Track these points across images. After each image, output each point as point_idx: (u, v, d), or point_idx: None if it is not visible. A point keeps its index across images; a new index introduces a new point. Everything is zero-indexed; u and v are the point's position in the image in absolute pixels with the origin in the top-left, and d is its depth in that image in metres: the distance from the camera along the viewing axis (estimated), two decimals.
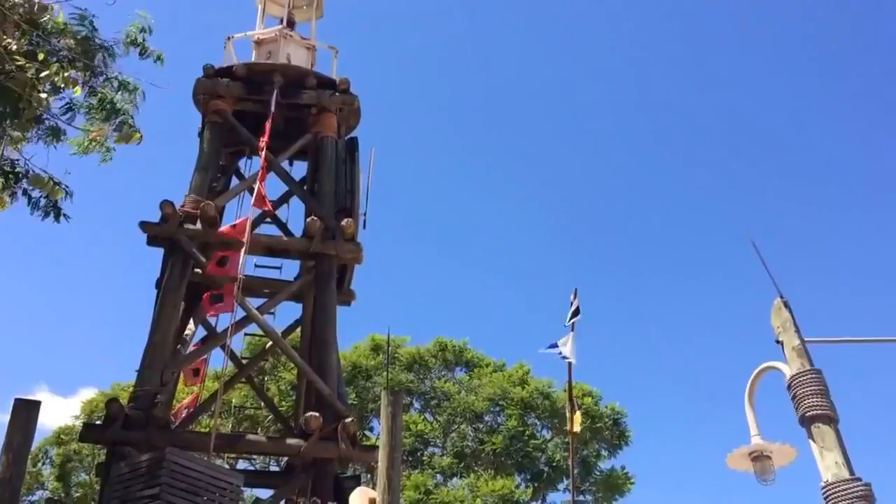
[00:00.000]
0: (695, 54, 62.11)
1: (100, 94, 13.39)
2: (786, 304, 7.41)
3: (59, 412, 59.03)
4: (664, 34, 61.84)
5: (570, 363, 14.57)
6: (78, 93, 11.26)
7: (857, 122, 59.37)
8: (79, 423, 26.97)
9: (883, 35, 56.54)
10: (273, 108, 14.59)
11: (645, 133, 63.67)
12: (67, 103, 12.55)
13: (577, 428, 14.46)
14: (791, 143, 61.19)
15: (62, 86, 10.56)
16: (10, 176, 11.93)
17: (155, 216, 13.80)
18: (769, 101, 61.71)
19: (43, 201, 11.82)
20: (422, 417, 28.10)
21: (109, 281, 58.71)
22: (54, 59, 12.49)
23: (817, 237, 60.07)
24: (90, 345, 59.13)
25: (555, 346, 14.71)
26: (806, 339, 7.24)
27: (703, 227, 61.89)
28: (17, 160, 12.27)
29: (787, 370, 7.23)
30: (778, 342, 7.39)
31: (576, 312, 14.78)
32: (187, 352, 14.09)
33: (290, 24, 17.06)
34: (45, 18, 11.32)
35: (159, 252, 14.07)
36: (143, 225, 13.80)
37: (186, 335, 14.32)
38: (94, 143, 13.37)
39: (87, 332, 59.38)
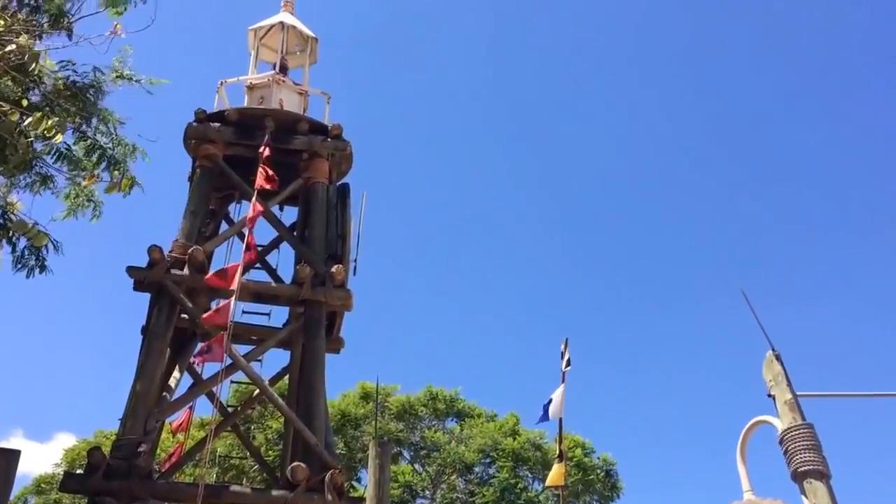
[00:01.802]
0: (699, 88, 62.72)
1: (90, 140, 13.43)
2: (777, 358, 7.32)
3: (36, 458, 58.17)
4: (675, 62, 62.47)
5: (560, 417, 14.40)
6: (59, 140, 11.23)
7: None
8: (59, 471, 26.58)
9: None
10: (263, 153, 14.55)
11: (640, 181, 64.01)
12: (57, 150, 12.57)
13: (549, 481, 14.25)
14: (789, 189, 61.42)
15: (47, 134, 10.53)
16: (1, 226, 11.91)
17: (142, 261, 13.70)
18: (768, 146, 62.13)
19: (26, 253, 11.79)
20: (411, 468, 27.75)
21: (90, 325, 58.18)
22: (45, 105, 12.55)
23: (812, 288, 60.03)
24: (67, 390, 58.45)
25: (546, 416, 14.60)
26: (798, 392, 7.14)
27: (697, 276, 61.87)
28: (5, 209, 12.25)
29: (779, 424, 7.13)
30: (770, 396, 7.30)
31: (567, 363, 14.63)
32: (172, 399, 13.87)
33: (283, 69, 17.10)
34: (34, 66, 11.37)
35: (142, 297, 13.92)
36: (130, 270, 13.66)
37: (171, 383, 14.13)
38: (82, 200, 13.36)
39: (65, 376, 58.72)
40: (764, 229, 61.85)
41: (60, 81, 13.10)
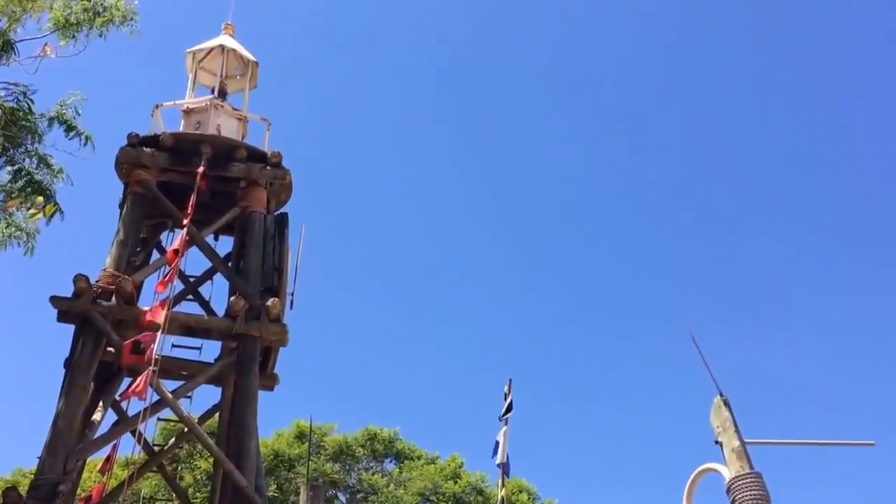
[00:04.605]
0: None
1: (17, 166, 13.02)
2: (726, 403, 7.16)
3: None
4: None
5: (501, 463, 14.02)
6: None
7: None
8: None
9: None
10: (199, 180, 14.14)
11: (588, 217, 64.31)
12: None
13: None
14: (747, 218, 61.93)
15: None
16: None
17: (67, 290, 13.15)
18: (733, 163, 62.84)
19: None
20: None
21: (9, 356, 55.89)
22: None
23: (768, 324, 60.24)
24: None
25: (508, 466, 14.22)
26: (746, 440, 6.96)
27: (646, 314, 61.88)
28: None
29: (727, 472, 6.97)
30: (717, 442, 7.11)
31: (509, 407, 14.28)
32: (95, 437, 13.24)
33: (222, 94, 16.71)
34: None
35: (66, 328, 13.33)
36: (54, 300, 13.17)
37: (95, 419, 13.52)
38: (13, 230, 12.95)
39: None
40: (714, 266, 62.02)
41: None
